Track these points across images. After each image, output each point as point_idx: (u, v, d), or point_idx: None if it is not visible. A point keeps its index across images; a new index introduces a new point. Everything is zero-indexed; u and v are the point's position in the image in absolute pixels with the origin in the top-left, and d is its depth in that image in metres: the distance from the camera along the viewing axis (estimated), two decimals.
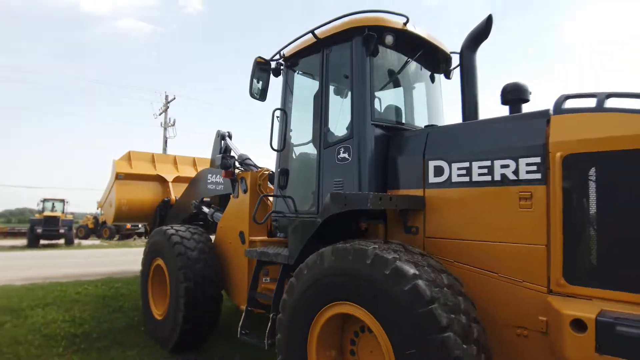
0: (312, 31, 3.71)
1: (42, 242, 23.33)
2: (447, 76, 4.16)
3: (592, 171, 2.34)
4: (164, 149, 22.87)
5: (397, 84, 4.07)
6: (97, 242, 26.49)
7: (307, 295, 2.83)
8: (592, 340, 2.07)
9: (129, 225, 31.19)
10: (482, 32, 3.36)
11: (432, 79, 4.06)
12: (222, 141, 6.07)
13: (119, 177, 7.35)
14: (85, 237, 31.13)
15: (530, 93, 3.08)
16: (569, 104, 2.54)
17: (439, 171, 3.02)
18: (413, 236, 3.15)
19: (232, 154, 5.75)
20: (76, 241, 24.08)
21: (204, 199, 6.26)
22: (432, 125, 3.67)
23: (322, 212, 3.13)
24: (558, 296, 2.36)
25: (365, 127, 3.39)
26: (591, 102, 2.44)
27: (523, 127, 2.68)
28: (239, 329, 3.76)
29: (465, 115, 3.53)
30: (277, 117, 4.13)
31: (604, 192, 2.31)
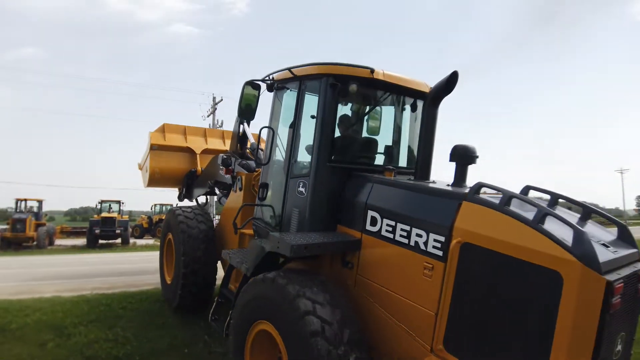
0: (289, 69, 4.01)
1: (100, 241, 24.38)
2: (413, 110, 4.27)
3: (480, 263, 2.58)
4: None
5: (372, 125, 4.36)
6: (150, 241, 27.20)
7: (245, 310, 3.39)
8: None
9: None
10: (444, 88, 3.42)
11: (415, 118, 4.22)
12: (241, 125, 6.26)
13: (153, 147, 8.14)
14: (140, 237, 32.15)
15: (477, 156, 3.22)
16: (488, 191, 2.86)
17: (374, 221, 3.30)
18: (349, 270, 3.49)
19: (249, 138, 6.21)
20: (131, 240, 24.82)
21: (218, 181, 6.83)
22: (390, 167, 3.74)
23: (260, 248, 3.62)
24: (435, 357, 2.73)
25: (320, 168, 3.65)
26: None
27: (441, 204, 2.91)
28: (210, 315, 4.38)
29: (416, 169, 3.65)
30: (264, 134, 4.43)
31: (484, 284, 2.57)
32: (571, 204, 3.09)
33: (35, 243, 20.34)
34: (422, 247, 2.87)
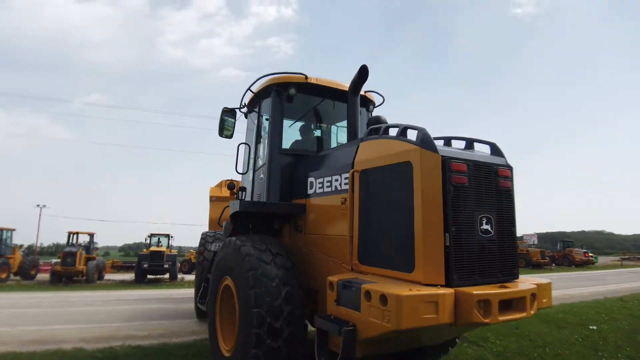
0: (249, 88, 5.25)
1: (148, 276, 23.52)
2: (368, 111, 5.35)
3: (371, 182, 3.41)
4: None
5: (314, 120, 5.27)
6: None
7: (216, 268, 4.27)
8: (335, 295, 3.14)
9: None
10: (358, 79, 4.21)
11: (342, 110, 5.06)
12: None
13: (211, 199, 10.02)
14: (189, 272, 31.22)
15: (385, 123, 3.89)
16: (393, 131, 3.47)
17: (311, 185, 4.22)
18: (299, 233, 4.39)
19: None
20: (179, 276, 23.79)
21: None
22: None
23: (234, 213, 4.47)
24: (353, 272, 3.41)
25: (273, 156, 4.69)
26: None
27: (347, 151, 3.85)
28: (196, 299, 6.10)
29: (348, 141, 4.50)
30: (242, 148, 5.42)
31: (375, 198, 3.35)
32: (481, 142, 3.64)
33: (84, 277, 19.71)
34: (339, 187, 3.78)
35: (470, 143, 3.62)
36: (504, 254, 3.24)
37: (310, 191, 4.22)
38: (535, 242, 44.49)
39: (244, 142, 5.46)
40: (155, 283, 21.53)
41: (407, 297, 2.56)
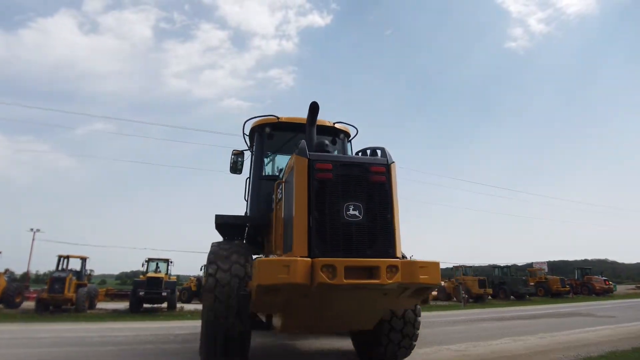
0: (243, 133, 6.62)
1: (145, 305, 21.68)
2: (334, 143, 6.29)
3: (286, 189, 4.59)
4: None
5: (291, 151, 5.32)
6: (199, 306, 24.21)
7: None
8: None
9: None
10: (310, 115, 4.96)
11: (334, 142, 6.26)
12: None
13: None
14: (188, 301, 29.31)
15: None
16: None
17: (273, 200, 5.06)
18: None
19: None
20: (178, 305, 21.95)
21: None
22: None
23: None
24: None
25: (255, 181, 6.12)
26: None
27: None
28: None
29: None
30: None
31: (286, 201, 4.52)
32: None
33: (74, 306, 17.89)
34: (277, 197, 4.80)
35: (373, 150, 4.47)
36: (375, 235, 3.88)
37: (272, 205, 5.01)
38: (546, 271, 42.46)
39: (249, 176, 6.60)
40: (152, 313, 19.70)
41: (262, 262, 3.58)
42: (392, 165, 4.22)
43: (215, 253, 4.76)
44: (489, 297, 30.26)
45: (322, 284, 3.44)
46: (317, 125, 5.35)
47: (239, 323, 4.39)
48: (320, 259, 3.53)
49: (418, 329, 5.11)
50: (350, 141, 6.67)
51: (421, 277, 3.72)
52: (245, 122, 6.40)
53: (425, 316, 10.64)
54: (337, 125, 6.38)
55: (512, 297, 31.96)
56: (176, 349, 6.40)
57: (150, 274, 21.54)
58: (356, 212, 3.89)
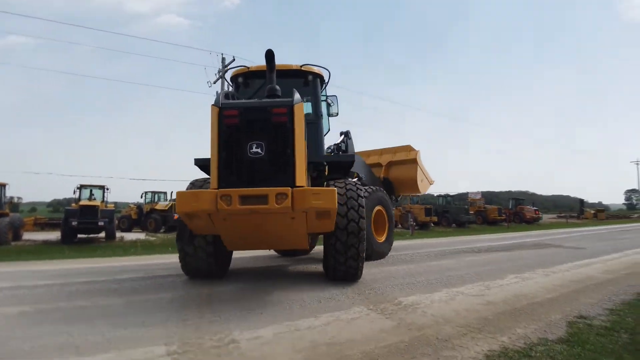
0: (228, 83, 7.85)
1: (79, 235, 19.65)
2: (307, 85, 6.74)
3: None
4: None
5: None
6: (142, 235, 22.43)
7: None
8: None
9: (176, 216, 27.27)
10: (267, 62, 5.19)
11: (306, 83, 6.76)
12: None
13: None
14: (128, 229, 27.33)
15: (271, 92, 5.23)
16: None
17: None
18: None
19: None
20: (118, 235, 20.10)
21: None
22: None
23: None
24: None
25: None
26: None
27: None
28: None
29: None
30: None
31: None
32: None
33: None
34: None
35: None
36: (276, 168, 4.53)
37: None
38: (484, 201, 44.63)
39: None
40: (88, 244, 17.79)
41: (179, 193, 4.46)
42: (295, 106, 4.65)
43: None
44: (432, 224, 31.36)
45: (221, 210, 4.27)
46: (285, 69, 6.36)
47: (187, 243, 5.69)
48: (220, 189, 4.36)
49: (363, 241, 5.57)
50: (326, 83, 7.20)
51: (314, 202, 4.33)
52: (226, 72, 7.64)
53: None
54: (304, 68, 6.72)
55: (453, 224, 33.41)
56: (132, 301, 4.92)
57: (83, 202, 19.28)
58: (258, 150, 4.52)
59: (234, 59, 19.37)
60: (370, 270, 7.04)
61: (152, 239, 20.20)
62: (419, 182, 11.15)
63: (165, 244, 16.82)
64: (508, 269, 7.36)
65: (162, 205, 27.92)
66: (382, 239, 8.81)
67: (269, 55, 5.18)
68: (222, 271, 6.22)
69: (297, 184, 4.45)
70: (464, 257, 9.17)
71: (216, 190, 4.35)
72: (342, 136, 9.08)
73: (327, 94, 7.38)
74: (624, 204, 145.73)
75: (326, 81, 7.14)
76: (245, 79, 6.72)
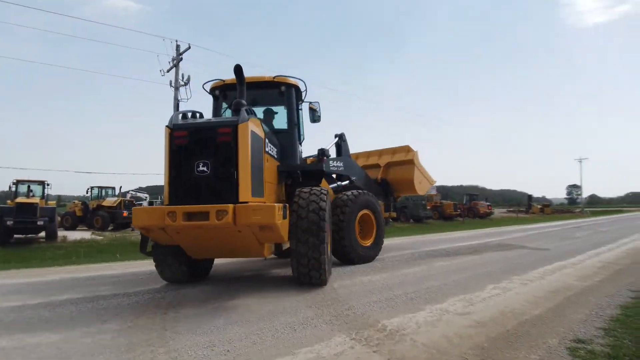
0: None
1: (15, 236, 17.98)
2: (281, 95, 7.06)
3: None
4: None
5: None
6: (87, 234, 20.84)
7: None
8: None
9: (125, 213, 25.70)
10: (236, 76, 5.66)
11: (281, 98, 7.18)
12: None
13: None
14: (73, 227, 25.44)
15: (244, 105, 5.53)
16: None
17: None
18: None
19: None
20: (61, 234, 18.51)
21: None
22: None
23: None
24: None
25: None
26: None
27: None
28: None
29: None
30: None
31: None
32: None
33: None
34: None
35: (200, 114, 5.59)
36: (221, 186, 4.81)
37: None
38: (440, 196, 45.64)
39: None
40: (26, 245, 16.24)
41: (135, 209, 4.99)
42: (240, 125, 4.88)
43: None
44: (391, 220, 31.54)
45: (168, 225, 4.65)
46: (259, 81, 6.79)
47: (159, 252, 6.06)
48: (167, 207, 4.72)
49: (324, 243, 5.74)
50: (304, 92, 7.57)
51: (253, 218, 4.58)
52: (204, 84, 7.36)
53: None
54: (276, 79, 6.98)
55: (411, 220, 33.77)
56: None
57: (20, 199, 17.63)
58: (204, 168, 4.80)
59: (189, 47, 18.16)
60: (343, 281, 6.53)
61: (99, 238, 18.80)
62: (416, 183, 11.09)
63: (113, 244, 15.60)
64: (483, 276, 7.10)
65: (110, 201, 26.22)
66: (368, 243, 8.63)
67: (237, 70, 5.56)
68: (197, 277, 6.62)
69: (241, 200, 4.75)
70: (434, 262, 8.88)
71: (165, 207, 4.74)
72: (336, 138, 9.71)
73: (310, 100, 7.59)
74: (565, 198, 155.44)
75: (302, 90, 7.49)
76: (222, 92, 7.05)
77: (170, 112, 16.29)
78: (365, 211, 8.53)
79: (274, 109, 7.46)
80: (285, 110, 7.20)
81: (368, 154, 12.65)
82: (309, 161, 7.92)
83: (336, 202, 8.00)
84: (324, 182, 8.14)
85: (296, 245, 5.71)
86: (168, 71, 18.52)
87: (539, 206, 58.62)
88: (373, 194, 9.15)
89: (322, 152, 8.21)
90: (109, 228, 24.52)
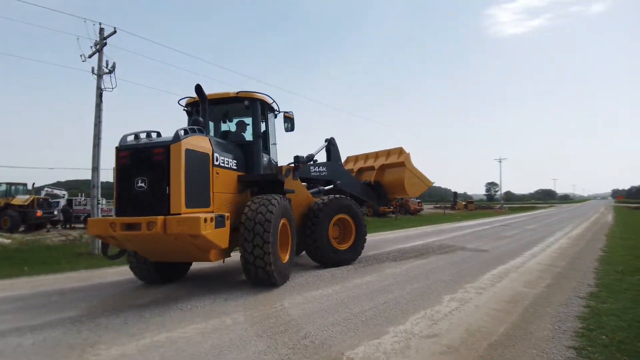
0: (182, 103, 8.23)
1: None
2: (247, 108, 7.72)
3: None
4: (98, 106, 15.16)
5: (215, 121, 8.23)
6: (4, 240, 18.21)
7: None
8: None
9: (40, 212, 23.04)
10: (197, 95, 6.79)
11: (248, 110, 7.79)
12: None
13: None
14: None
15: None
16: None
17: None
18: None
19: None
20: None
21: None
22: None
23: None
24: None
25: None
26: None
27: None
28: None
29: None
30: None
31: None
32: None
33: None
34: None
35: (158, 133, 6.00)
36: (155, 200, 5.41)
37: None
38: None
39: None
40: None
41: (90, 220, 5.83)
42: (172, 146, 5.45)
43: None
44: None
45: (109, 235, 5.46)
46: (224, 97, 7.68)
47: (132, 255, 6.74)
48: (110, 218, 5.57)
49: (268, 243, 6.19)
50: (272, 104, 8.24)
51: (178, 228, 5.12)
52: (179, 100, 8.07)
53: None
54: (240, 94, 7.63)
55: None
56: None
57: None
58: (142, 184, 5.49)
59: (115, 31, 16.33)
60: (294, 298, 5.94)
61: (7, 242, 16.44)
62: (408, 185, 11.11)
63: (22, 250, 13.67)
64: (437, 285, 6.87)
65: (20, 199, 23.38)
66: (346, 246, 8.90)
67: (198, 89, 6.57)
68: (169, 278, 7.13)
69: (172, 212, 5.31)
70: (384, 268, 8.58)
71: (109, 218, 5.50)
72: (326, 143, 10.23)
73: (284, 111, 8.41)
74: (484, 194, 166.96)
75: (270, 102, 8.14)
76: (195, 108, 7.55)
77: (92, 101, 14.45)
78: (341, 215, 8.83)
79: (246, 120, 8.08)
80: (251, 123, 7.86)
81: (366, 156, 12.77)
82: (284, 169, 8.13)
83: (311, 207, 8.49)
84: (301, 187, 8.67)
85: (244, 242, 6.28)
86: (90, 57, 16.52)
87: (464, 202, 61.99)
88: (364, 198, 10.22)
89: (330, 141, 9.87)
90: (20, 229, 21.82)
